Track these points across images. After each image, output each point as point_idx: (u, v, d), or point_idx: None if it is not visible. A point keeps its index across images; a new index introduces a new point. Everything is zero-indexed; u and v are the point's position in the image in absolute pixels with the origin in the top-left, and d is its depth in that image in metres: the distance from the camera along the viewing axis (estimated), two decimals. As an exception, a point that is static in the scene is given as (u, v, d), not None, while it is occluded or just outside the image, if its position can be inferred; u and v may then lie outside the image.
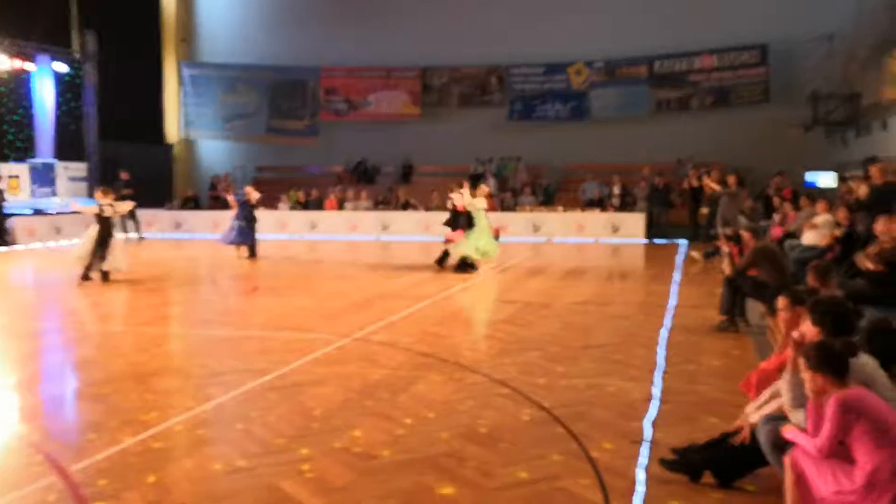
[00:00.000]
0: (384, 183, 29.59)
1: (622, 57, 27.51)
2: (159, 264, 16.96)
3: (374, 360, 7.84)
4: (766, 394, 4.67)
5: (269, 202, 27.39)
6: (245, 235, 18.05)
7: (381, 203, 26.61)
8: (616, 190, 24.67)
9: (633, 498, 4.50)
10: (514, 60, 28.53)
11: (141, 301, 11.76)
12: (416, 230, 24.26)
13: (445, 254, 15.87)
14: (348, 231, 24.83)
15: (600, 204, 24.54)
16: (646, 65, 27.29)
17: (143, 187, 25.06)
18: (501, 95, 29.14)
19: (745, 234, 9.69)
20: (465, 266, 15.31)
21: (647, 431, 5.62)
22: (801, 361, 3.93)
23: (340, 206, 25.97)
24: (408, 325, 9.67)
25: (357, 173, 30.31)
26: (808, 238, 12.32)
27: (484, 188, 16.20)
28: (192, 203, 27.67)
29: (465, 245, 15.31)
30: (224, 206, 27.11)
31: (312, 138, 30.58)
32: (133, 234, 24.30)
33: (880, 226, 8.68)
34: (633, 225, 22.91)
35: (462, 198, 15.57)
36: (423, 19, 29.26)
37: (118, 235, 15.86)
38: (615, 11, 27.48)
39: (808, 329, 4.44)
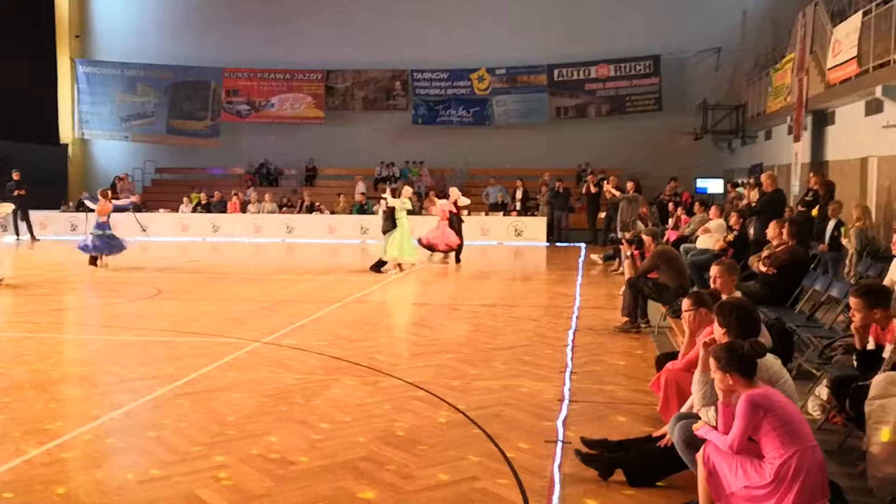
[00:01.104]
0: (288, 185, 29.17)
1: (523, 65, 27.95)
2: (54, 268, 16.24)
3: (286, 364, 7.71)
4: (686, 403, 4.78)
5: (171, 204, 26.63)
6: (114, 245, 16.27)
7: (285, 205, 26.21)
8: (518, 194, 25.01)
9: (552, 497, 4.56)
10: (418, 65, 28.59)
11: (38, 306, 11.22)
12: (322, 233, 24.02)
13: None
14: (252, 234, 24.36)
15: (503, 208, 24.83)
16: (545, 73, 27.80)
17: (37, 188, 23.95)
18: (406, 100, 29.15)
19: (647, 238, 9.98)
20: (379, 267, 15.55)
21: (561, 431, 5.70)
22: (712, 362, 4.06)
23: (243, 209, 25.44)
24: (318, 329, 9.55)
25: (260, 175, 29.78)
26: (702, 242, 12.78)
27: (408, 189, 16.43)
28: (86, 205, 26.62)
29: (392, 247, 15.47)
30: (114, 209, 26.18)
31: (214, 139, 29.89)
32: (25, 237, 23.19)
33: (771, 231, 9.07)
34: (536, 228, 23.28)
35: (394, 200, 15.79)
36: (326, 22, 29.01)
37: (4, 239, 15.03)
38: (517, 20, 27.91)
39: (716, 330, 4.59)
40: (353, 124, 29.43)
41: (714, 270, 6.51)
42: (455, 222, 17.43)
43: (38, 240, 23.34)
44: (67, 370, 7.43)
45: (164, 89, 29.74)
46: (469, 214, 24.54)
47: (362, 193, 25.60)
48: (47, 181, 26.85)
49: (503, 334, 9.35)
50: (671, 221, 17.62)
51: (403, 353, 8.29)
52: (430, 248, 17.33)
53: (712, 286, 6.43)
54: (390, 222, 15.69)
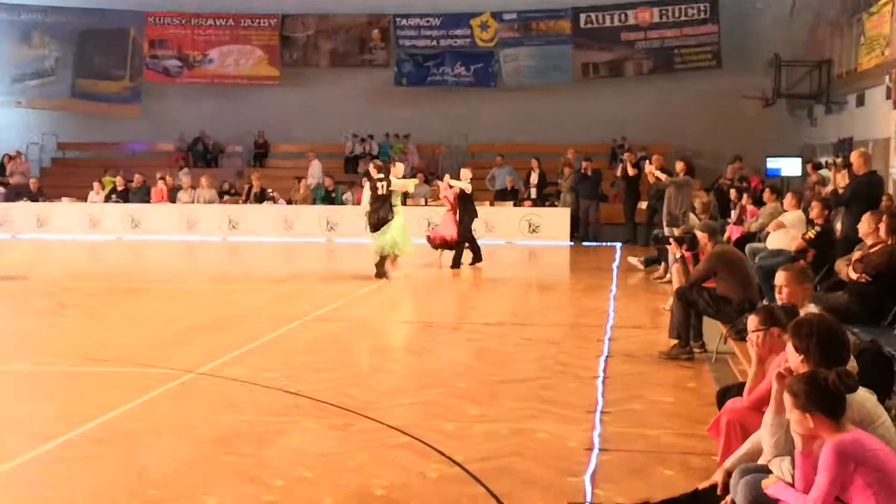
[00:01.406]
0: (231, 166, 29.21)
1: (539, 7, 28.02)
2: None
3: (229, 402, 7.70)
4: (746, 445, 4.80)
5: (77, 191, 26.60)
6: None
7: (227, 193, 26.22)
8: (533, 178, 25.06)
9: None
10: (402, 8, 28.67)
11: None
12: (275, 229, 24.01)
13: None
14: (184, 230, 24.35)
15: (513, 196, 24.87)
16: (569, 18, 27.88)
17: None
18: (386, 54, 29.24)
19: (701, 236, 9.98)
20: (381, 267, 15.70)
21: (589, 490, 5.72)
22: (787, 399, 4.07)
23: (172, 198, 25.42)
24: (271, 356, 9.55)
25: (194, 153, 29.80)
26: (775, 240, 12.81)
27: (400, 166, 16.60)
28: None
29: (382, 237, 15.54)
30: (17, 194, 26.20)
31: (134, 105, 29.93)
32: None
33: (864, 226, 9.08)
34: (556, 223, 23.30)
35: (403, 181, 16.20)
36: (283, -48, 29.12)
37: None
38: (530, -52, 28.00)
39: (791, 357, 4.59)
40: (316, 86, 29.47)
41: (780, 277, 6.54)
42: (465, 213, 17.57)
43: None
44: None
45: (68, 39, 29.78)
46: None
47: (329, 177, 25.63)
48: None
49: (514, 362, 9.36)
50: (734, 214, 17.63)
51: (382, 387, 8.29)
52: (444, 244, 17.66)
53: (778, 297, 6.46)
54: (387, 210, 15.61)
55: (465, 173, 17.83)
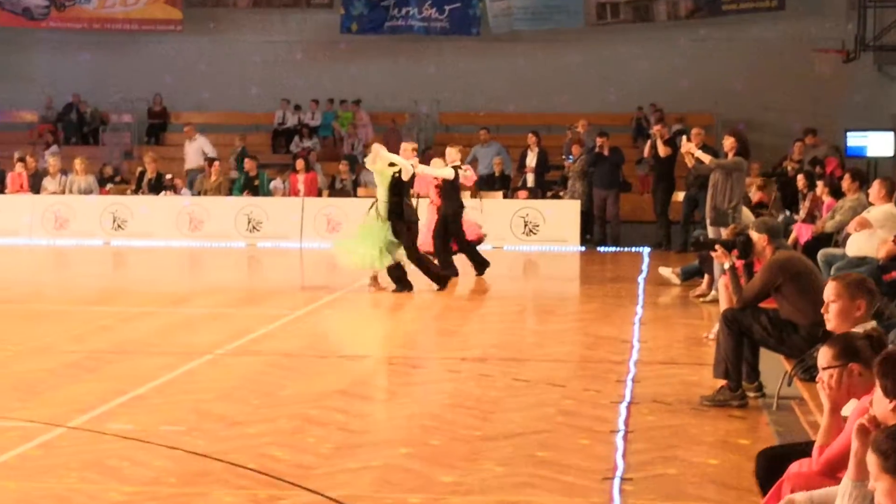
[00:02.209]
0: (117, 143, 29.13)
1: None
2: None
3: (113, 467, 7.65)
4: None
5: None
6: None
7: (110, 180, 26.13)
8: (531, 160, 25.09)
9: None
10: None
11: None
12: (176, 229, 23.88)
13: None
14: (52, 230, 24.23)
15: (503, 184, 24.89)
16: (579, -58, 28.01)
17: None
18: (329, -10, 29.26)
19: (758, 238, 9.98)
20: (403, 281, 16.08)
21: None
22: (872, 461, 4.06)
23: (35, 186, 25.29)
24: (170, 403, 9.50)
25: (66, 125, 29.69)
26: (857, 245, 12.86)
27: (407, 146, 17.02)
28: None
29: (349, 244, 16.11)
30: None
31: (-16, 60, 29.79)
32: None
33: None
34: (561, 220, 23.33)
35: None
36: None
37: None
38: None
39: (878, 404, 4.59)
40: (233, 33, 29.49)
41: (829, 289, 6.59)
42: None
43: None
44: None
45: None
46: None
47: (252, 158, 25.57)
48: None
49: (502, 411, 9.34)
50: (803, 208, 17.71)
51: (322, 447, 8.25)
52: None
53: (825, 317, 6.52)
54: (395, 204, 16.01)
55: (452, 153, 17.80)
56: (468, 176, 18.26)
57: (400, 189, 16.09)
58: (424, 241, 17.32)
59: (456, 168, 17.67)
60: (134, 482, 7.35)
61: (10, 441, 8.22)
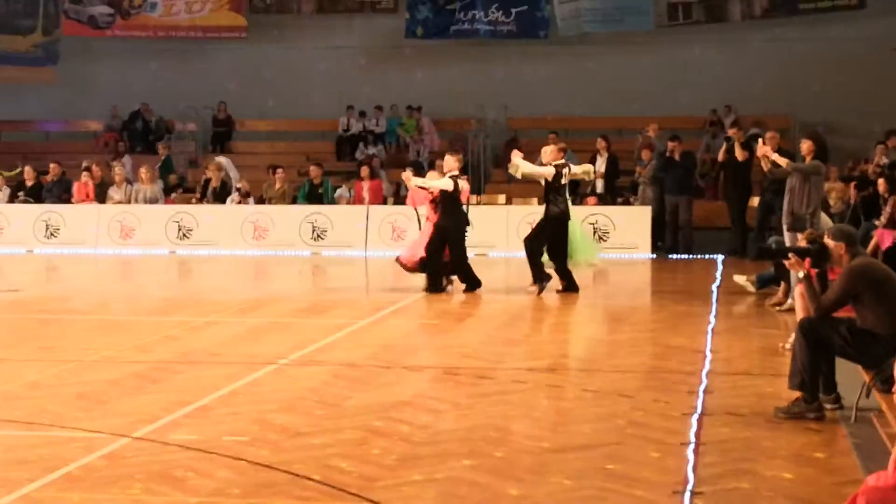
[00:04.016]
0: (182, 152, 29.31)
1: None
2: None
3: (177, 478, 7.70)
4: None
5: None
6: None
7: (176, 189, 26.31)
8: (600, 165, 25.01)
9: None
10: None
11: None
12: (241, 238, 24.02)
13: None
14: (118, 240, 24.47)
15: (572, 189, 24.82)
16: (650, -58, 27.92)
17: None
18: (394, -5, 29.34)
19: (835, 246, 9.89)
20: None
21: None
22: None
23: (101, 196, 25.56)
24: (234, 414, 9.55)
25: (132, 134, 29.94)
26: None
27: (553, 147, 17.24)
28: None
29: None
30: None
31: (48, 69, 30.14)
32: None
33: None
34: (632, 227, 23.25)
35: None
36: None
37: None
38: None
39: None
40: (297, 40, 29.60)
41: None
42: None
43: None
44: None
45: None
46: (507, 203, 24.63)
47: (317, 166, 25.68)
48: None
49: (570, 423, 9.33)
50: (884, 214, 17.53)
51: (387, 458, 8.26)
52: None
53: None
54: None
55: (450, 161, 17.39)
56: (464, 189, 17.60)
57: (548, 189, 16.78)
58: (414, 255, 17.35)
59: (455, 178, 17.12)
60: (198, 493, 7.39)
61: (75, 452, 8.30)
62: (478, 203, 25.13)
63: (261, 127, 30.30)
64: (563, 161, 17.17)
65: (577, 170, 17.77)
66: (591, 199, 24.29)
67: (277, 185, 25.06)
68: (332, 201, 24.55)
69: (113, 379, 11.05)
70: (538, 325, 14.93)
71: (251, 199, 24.97)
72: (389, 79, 29.01)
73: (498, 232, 23.61)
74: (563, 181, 16.96)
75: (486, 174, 28.31)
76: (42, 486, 7.53)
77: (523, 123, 29.00)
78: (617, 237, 23.09)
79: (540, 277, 16.74)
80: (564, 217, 16.97)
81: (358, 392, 10.84)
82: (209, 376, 11.09)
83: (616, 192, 24.79)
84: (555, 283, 16.91)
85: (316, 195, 24.70)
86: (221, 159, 26.10)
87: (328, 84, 29.13)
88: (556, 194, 16.92)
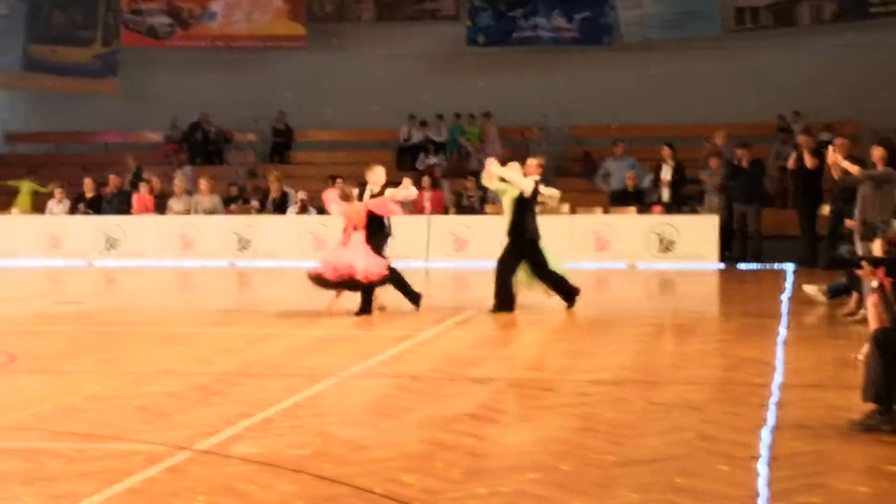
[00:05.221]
0: (241, 162, 29.49)
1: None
2: None
3: (240, 491, 7.72)
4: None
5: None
6: None
7: (235, 200, 26.46)
8: (666, 174, 24.93)
9: None
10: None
11: None
12: (301, 250, 24.06)
13: None
14: (177, 251, 24.65)
15: (637, 199, 24.77)
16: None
17: None
18: (454, 2, 29.34)
19: (908, 254, 9.84)
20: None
21: None
22: None
23: (161, 207, 25.76)
24: (295, 427, 9.59)
25: (191, 145, 30.14)
26: None
27: (533, 161, 16.89)
28: None
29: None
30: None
31: (109, 80, 30.44)
32: None
33: None
34: (699, 237, 23.17)
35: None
36: None
37: None
38: None
39: None
40: (358, 49, 29.72)
41: None
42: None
43: None
44: None
45: (17, -10, 30.24)
46: (570, 212, 24.55)
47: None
48: None
49: (637, 436, 9.28)
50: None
51: (451, 471, 8.25)
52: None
53: None
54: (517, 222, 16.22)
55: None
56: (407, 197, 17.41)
57: (522, 206, 16.19)
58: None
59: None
60: (260, 507, 7.44)
61: (137, 464, 8.35)
62: (541, 212, 25.12)
63: (320, 137, 30.42)
64: (539, 178, 17.03)
65: (546, 191, 17.51)
66: (657, 208, 24.21)
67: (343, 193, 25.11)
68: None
69: (174, 391, 11.14)
70: (603, 336, 14.87)
71: (311, 210, 25.08)
72: (450, 87, 29.03)
73: (561, 242, 23.57)
74: (539, 199, 16.96)
75: (548, 183, 28.20)
76: (105, 499, 7.59)
77: (586, 131, 28.97)
78: (683, 247, 23.02)
79: (505, 301, 16.39)
80: (537, 237, 16.64)
81: (421, 404, 10.85)
82: (270, 388, 11.16)
83: (682, 200, 24.69)
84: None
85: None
86: None
87: (388, 93, 29.20)
88: (529, 211, 16.58)
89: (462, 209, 25.32)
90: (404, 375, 12.06)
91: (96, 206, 26.13)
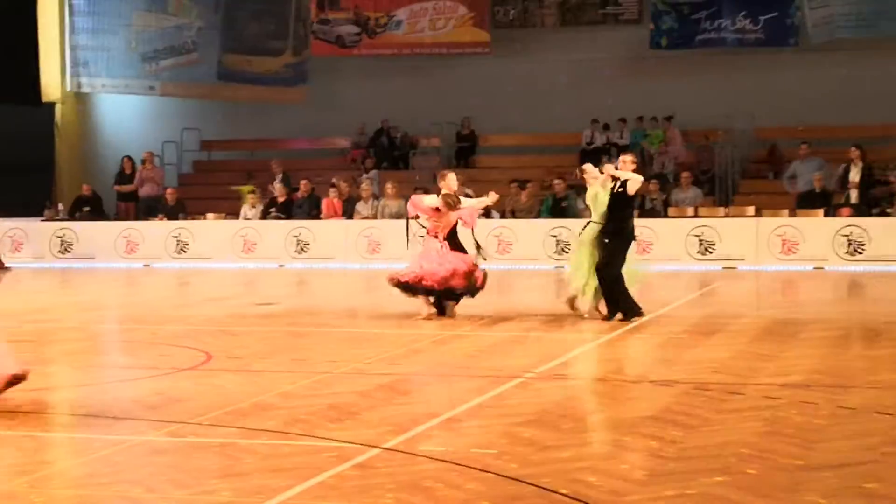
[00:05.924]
0: (426, 167, 29.69)
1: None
2: (39, 316, 17.21)
3: (427, 488, 7.77)
4: None
5: (225, 204, 27.63)
6: None
7: (422, 202, 26.70)
8: (854, 175, 24.46)
9: None
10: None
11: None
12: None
13: None
14: (364, 254, 24.94)
15: (824, 201, 24.36)
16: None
17: (5, 179, 25.39)
18: (638, 5, 29.19)
19: None
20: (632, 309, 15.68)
21: None
22: None
23: (348, 211, 26.10)
24: (481, 426, 9.65)
25: (378, 150, 30.46)
26: None
27: (627, 158, 16.16)
28: (90, 206, 27.98)
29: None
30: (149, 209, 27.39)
31: (299, 88, 30.93)
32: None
33: None
34: (889, 238, 22.70)
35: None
36: None
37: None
38: None
39: None
40: (541, 54, 29.74)
41: None
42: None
43: (9, 268, 24.76)
44: (55, 493, 7.83)
45: (213, 2, 30.81)
46: (755, 215, 24.22)
47: (559, 180, 25.72)
48: (19, 166, 28.04)
49: (825, 440, 9.11)
50: None
51: (635, 473, 8.21)
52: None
53: None
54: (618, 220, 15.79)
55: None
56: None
57: (623, 204, 15.71)
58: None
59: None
60: (446, 505, 7.49)
61: (327, 461, 8.49)
62: (726, 216, 24.86)
63: (504, 141, 30.46)
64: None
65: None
66: (845, 211, 23.76)
67: (523, 198, 25.21)
68: (576, 215, 24.54)
69: (362, 390, 11.28)
70: (790, 339, 14.62)
71: (496, 214, 25.16)
72: (633, 90, 28.83)
73: (747, 245, 23.30)
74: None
75: (734, 186, 27.94)
76: (297, 493, 7.72)
77: (772, 133, 28.50)
78: (873, 249, 22.57)
79: (630, 307, 15.79)
80: (633, 238, 16.30)
81: (604, 406, 10.84)
82: (456, 389, 11.28)
83: (872, 202, 24.17)
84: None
85: (559, 209, 24.76)
86: None
87: (571, 97, 29.13)
88: (629, 208, 16.14)
89: (645, 212, 25.11)
90: (588, 377, 12.07)
91: (287, 210, 26.60)
